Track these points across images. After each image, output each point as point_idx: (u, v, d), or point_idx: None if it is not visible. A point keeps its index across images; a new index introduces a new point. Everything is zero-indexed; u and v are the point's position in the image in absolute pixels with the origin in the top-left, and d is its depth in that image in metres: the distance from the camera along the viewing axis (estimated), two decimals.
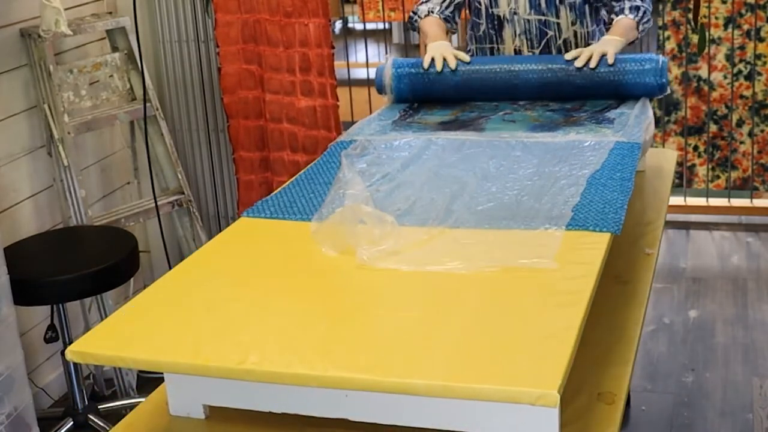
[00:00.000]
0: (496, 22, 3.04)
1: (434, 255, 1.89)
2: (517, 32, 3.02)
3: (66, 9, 3.22)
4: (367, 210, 1.97)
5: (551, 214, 2.02)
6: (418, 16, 3.13)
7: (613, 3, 2.98)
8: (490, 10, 3.04)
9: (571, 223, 1.98)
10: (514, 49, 3.04)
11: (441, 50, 2.91)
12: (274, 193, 2.32)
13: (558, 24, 3.00)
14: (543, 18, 2.99)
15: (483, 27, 3.07)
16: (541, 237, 1.94)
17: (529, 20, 3.00)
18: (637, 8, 2.95)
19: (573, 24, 2.99)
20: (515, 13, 3.01)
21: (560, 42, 3.01)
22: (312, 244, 1.98)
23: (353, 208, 1.97)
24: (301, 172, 2.43)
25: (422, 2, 3.15)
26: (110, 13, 3.73)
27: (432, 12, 3.10)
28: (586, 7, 3.00)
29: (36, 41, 3.26)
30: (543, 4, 2.98)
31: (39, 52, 3.28)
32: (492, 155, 2.40)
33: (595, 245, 1.90)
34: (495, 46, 3.07)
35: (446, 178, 2.28)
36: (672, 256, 4.27)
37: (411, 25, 3.19)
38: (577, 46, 3.00)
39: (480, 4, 3.06)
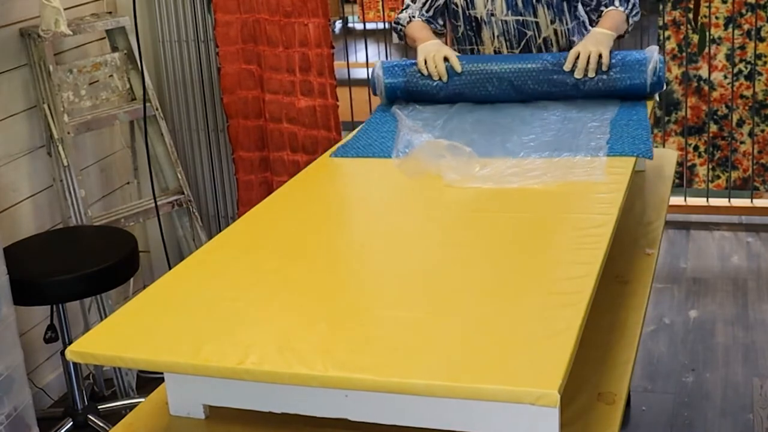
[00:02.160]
0: (473, 24, 3.02)
1: (506, 176, 2.30)
2: (496, 33, 2.99)
3: (66, 9, 3.22)
4: (446, 143, 2.41)
5: (590, 146, 2.44)
6: (401, 25, 3.10)
7: None
8: (467, 12, 3.01)
9: (609, 151, 2.39)
10: (494, 50, 3.01)
11: (432, 52, 2.85)
12: (346, 139, 2.71)
13: (537, 23, 2.96)
14: (521, 18, 2.96)
15: (461, 29, 3.05)
16: (588, 161, 2.35)
17: (506, 21, 2.97)
18: (627, 0, 2.92)
19: (552, 22, 2.96)
20: (492, 15, 2.97)
21: (540, 41, 2.98)
22: (397, 174, 2.37)
23: (434, 143, 2.43)
24: (360, 126, 2.79)
25: (401, 11, 3.12)
26: (110, 13, 3.73)
27: (413, 17, 3.06)
28: (564, 4, 2.96)
29: (36, 41, 3.26)
30: (520, 4, 2.95)
31: (39, 52, 3.28)
32: (522, 106, 2.75)
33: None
34: (475, 47, 3.04)
35: (491, 124, 2.65)
36: (672, 256, 4.27)
37: (397, 35, 3.16)
38: (558, 44, 2.98)
39: (457, 6, 3.02)
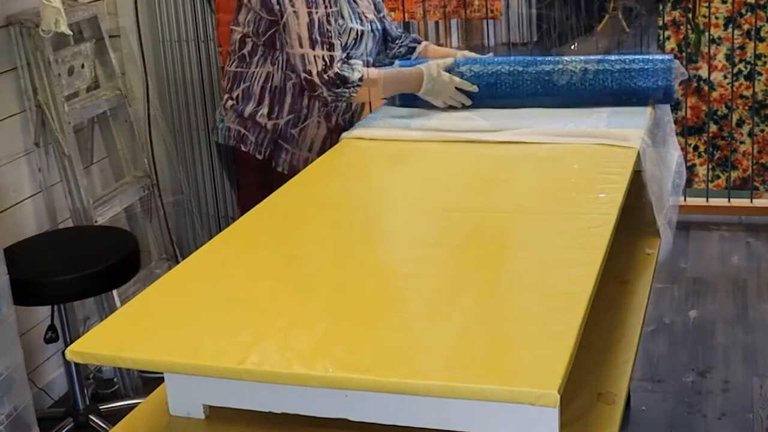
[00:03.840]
0: (356, 36, 2.80)
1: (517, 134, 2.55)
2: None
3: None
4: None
5: (592, 118, 2.63)
6: (356, 85, 2.64)
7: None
8: (347, 53, 2.75)
9: (608, 123, 2.58)
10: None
11: (446, 93, 2.72)
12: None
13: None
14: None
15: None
16: (591, 131, 2.54)
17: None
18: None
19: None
20: (362, 57, 2.81)
21: None
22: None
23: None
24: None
25: (325, 69, 2.61)
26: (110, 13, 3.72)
27: (360, 78, 2.66)
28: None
29: (36, 40, 3.24)
30: (375, 49, 2.90)
31: (37, 50, 3.25)
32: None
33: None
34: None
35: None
36: (672, 256, 4.26)
37: (347, 96, 2.67)
38: None
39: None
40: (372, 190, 2.42)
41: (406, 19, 6.20)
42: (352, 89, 2.65)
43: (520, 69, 2.76)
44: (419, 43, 3.05)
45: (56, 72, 3.28)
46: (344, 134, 2.69)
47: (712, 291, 3.95)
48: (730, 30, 4.43)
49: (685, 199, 4.65)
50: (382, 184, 2.43)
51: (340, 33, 2.67)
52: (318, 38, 2.59)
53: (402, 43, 3.04)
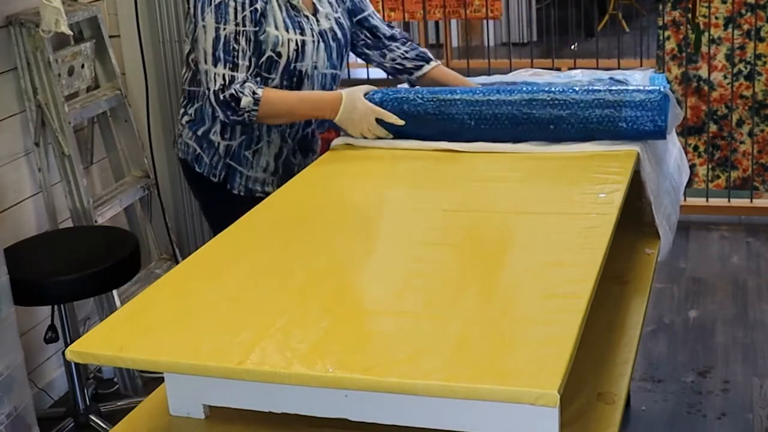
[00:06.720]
0: (294, 78, 2.60)
1: None
2: (315, 88, 2.65)
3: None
4: None
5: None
6: (253, 109, 2.44)
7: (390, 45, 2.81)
8: (292, 65, 2.57)
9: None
10: None
11: (364, 124, 2.51)
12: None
13: (339, 76, 2.74)
14: (335, 72, 2.69)
15: (274, 82, 2.57)
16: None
17: (325, 74, 2.66)
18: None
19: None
20: (315, 68, 2.62)
21: None
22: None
23: None
24: None
25: (222, 90, 2.43)
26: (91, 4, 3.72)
27: (256, 94, 2.44)
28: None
29: (36, 40, 3.24)
30: (334, 57, 2.66)
31: (37, 50, 3.26)
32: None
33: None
34: None
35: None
36: (672, 256, 4.26)
37: (244, 118, 2.47)
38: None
39: (280, 57, 2.54)
40: (370, 192, 2.42)
41: (406, 19, 6.20)
42: (247, 112, 2.46)
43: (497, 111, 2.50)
44: (427, 62, 2.83)
45: (56, 72, 3.28)
46: (335, 141, 2.64)
47: (712, 291, 3.95)
48: (730, 30, 4.44)
49: (685, 199, 4.65)
50: (380, 186, 2.43)
51: (263, 51, 2.51)
52: (221, 56, 2.43)
53: (404, 51, 2.83)
